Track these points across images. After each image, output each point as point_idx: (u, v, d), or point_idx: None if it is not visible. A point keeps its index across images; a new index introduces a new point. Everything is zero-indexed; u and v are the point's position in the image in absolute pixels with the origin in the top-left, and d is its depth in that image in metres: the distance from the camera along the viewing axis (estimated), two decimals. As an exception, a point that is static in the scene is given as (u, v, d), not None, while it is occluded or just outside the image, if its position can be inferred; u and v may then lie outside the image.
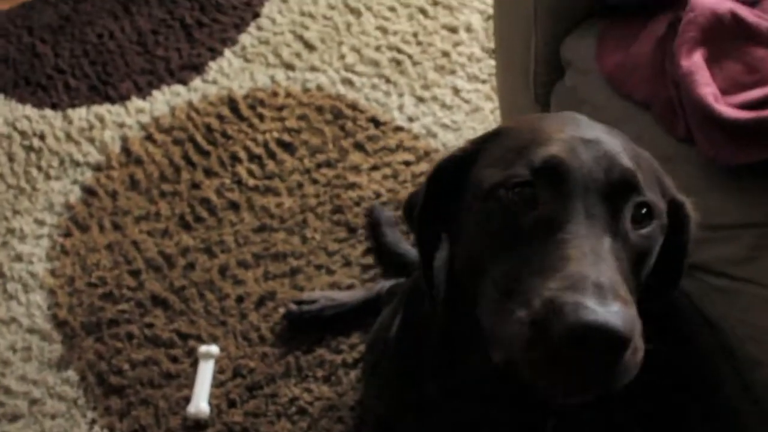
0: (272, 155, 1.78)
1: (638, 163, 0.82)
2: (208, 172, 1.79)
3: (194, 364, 1.53)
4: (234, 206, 1.72)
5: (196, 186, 1.77)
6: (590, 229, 0.75)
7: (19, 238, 1.77)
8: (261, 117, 1.85)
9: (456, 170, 0.87)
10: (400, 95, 1.84)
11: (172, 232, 1.71)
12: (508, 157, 0.82)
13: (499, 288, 0.77)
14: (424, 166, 1.70)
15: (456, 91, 1.83)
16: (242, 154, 1.79)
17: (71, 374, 1.58)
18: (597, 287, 0.69)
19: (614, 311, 0.66)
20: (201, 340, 1.56)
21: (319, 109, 1.84)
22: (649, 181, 0.83)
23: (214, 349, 1.52)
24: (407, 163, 1.71)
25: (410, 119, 1.79)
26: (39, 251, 1.75)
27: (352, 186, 1.70)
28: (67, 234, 1.76)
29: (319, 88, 1.88)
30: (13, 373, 1.61)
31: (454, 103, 1.80)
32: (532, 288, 0.72)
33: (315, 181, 1.72)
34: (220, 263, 1.65)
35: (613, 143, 0.82)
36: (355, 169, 1.73)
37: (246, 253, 1.65)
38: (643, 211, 0.79)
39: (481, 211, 0.81)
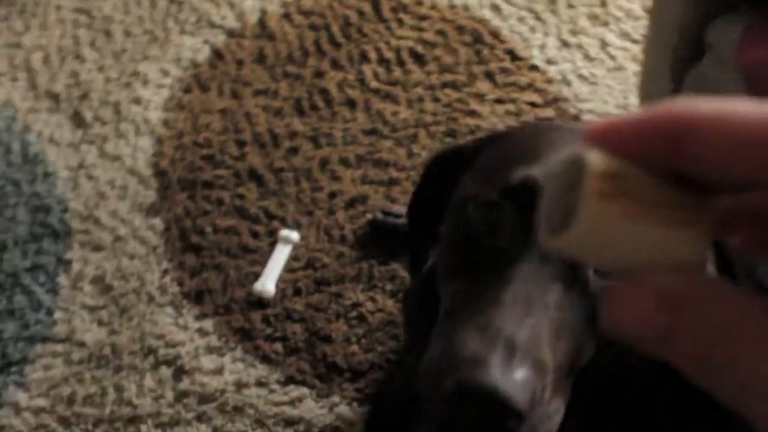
0: (401, 63, 1.76)
1: None
2: (335, 64, 1.78)
3: (272, 245, 1.54)
4: (351, 103, 1.71)
5: (319, 74, 1.77)
6: (539, 273, 0.66)
7: (142, 82, 1.81)
8: (400, 22, 1.82)
9: (458, 168, 0.81)
10: (546, 34, 1.78)
11: (285, 114, 1.72)
12: (491, 170, 0.75)
13: (446, 305, 0.71)
14: (549, 113, 1.65)
15: (604, 44, 1.76)
16: (372, 55, 1.78)
17: (157, 222, 1.62)
18: (508, 345, 0.60)
19: (514, 377, 0.58)
20: (285, 224, 1.57)
21: (460, 29, 1.80)
22: None
23: (294, 235, 1.53)
24: (533, 105, 1.67)
25: (548, 61, 1.74)
26: (157, 100, 1.78)
27: (472, 113, 1.66)
28: (187, 90, 1.78)
29: (466, 7, 1.84)
30: (105, 207, 1.66)
31: (599, 56, 1.74)
32: (453, 326, 0.65)
33: (437, 99, 1.70)
34: (323, 155, 1.65)
35: None
36: (480, 97, 1.69)
37: (350, 152, 1.65)
38: None
39: (449, 224, 0.77)
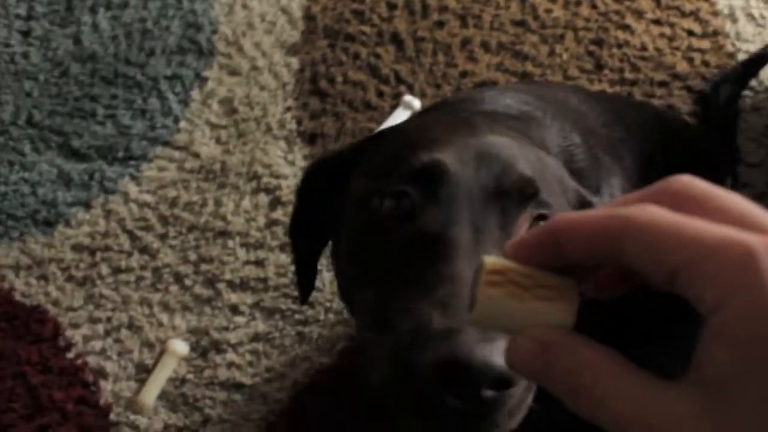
0: (570, -36, 1.73)
1: (542, 171, 0.69)
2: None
3: (393, 107, 1.57)
4: (508, -9, 1.70)
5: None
6: (476, 244, 0.63)
7: (317, -72, 1.84)
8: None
9: (335, 177, 0.76)
10: (725, -35, 1.71)
11: (442, -13, 1.73)
12: (385, 164, 0.71)
13: (370, 313, 0.66)
14: (706, 45, 1.58)
15: (784, -11, 1.67)
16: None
17: (294, 61, 1.67)
18: None
19: (497, 344, 0.54)
20: (411, 90, 1.59)
21: (639, -58, 1.74)
22: (552, 191, 0.69)
23: (416, 103, 1.55)
24: (690, 33, 1.61)
25: (720, -8, 1.67)
26: (327, -52, 1.82)
27: (625, 28, 1.62)
28: (357, -55, 1.81)
29: None
30: (251, 37, 1.72)
31: (774, 0, 1.65)
32: (401, 313, 0.60)
33: (594, 6, 1.66)
34: (467, 35, 1.65)
35: (512, 149, 0.69)
36: (638, 14, 1.64)
37: (494, 38, 1.64)
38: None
39: (352, 224, 0.72)
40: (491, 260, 0.40)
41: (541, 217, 0.68)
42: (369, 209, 0.69)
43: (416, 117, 0.83)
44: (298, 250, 0.85)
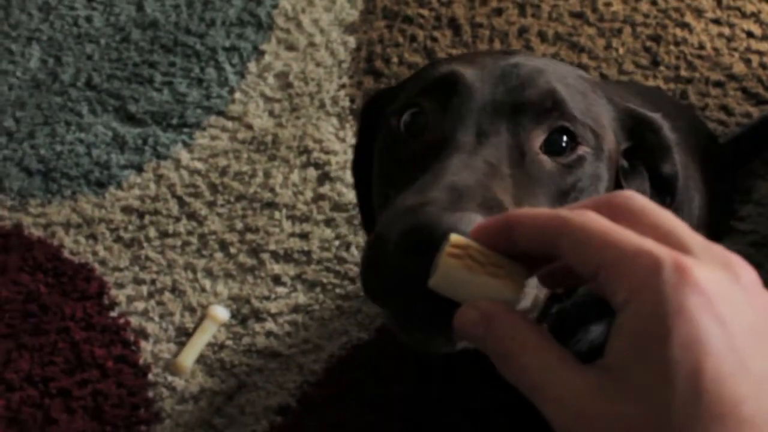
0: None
1: (573, 89, 0.67)
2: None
3: (446, 91, 1.58)
4: (568, -17, 1.70)
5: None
6: (477, 146, 0.62)
7: None
8: None
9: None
10: (791, -30, 1.69)
11: (503, -25, 1.73)
12: (411, 86, 0.72)
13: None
14: (764, 48, 1.57)
15: None
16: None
17: (351, 40, 1.69)
18: (452, 189, 0.55)
19: (465, 213, 0.53)
20: (465, 76, 1.60)
21: (705, -59, 1.73)
22: (584, 106, 0.67)
23: (469, 88, 1.56)
24: (749, 35, 1.59)
25: (784, -4, 1.65)
26: (390, -70, 1.83)
27: (684, 26, 1.61)
28: (421, -71, 1.82)
29: None
30: (311, 13, 1.74)
31: (838, 7, 1.63)
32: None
33: (653, 2, 1.65)
34: (524, 24, 1.65)
35: (539, 65, 0.67)
36: (698, 12, 1.63)
37: (551, 28, 1.64)
38: (563, 138, 0.65)
39: (377, 145, 0.74)
40: (456, 237, 0.46)
41: (564, 130, 0.66)
42: (390, 129, 0.70)
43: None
44: (359, 184, 0.87)
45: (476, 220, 0.52)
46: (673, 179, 0.75)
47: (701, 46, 1.58)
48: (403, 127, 0.69)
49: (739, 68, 1.54)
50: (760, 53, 1.56)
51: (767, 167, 1.43)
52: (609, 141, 0.70)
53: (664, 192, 0.76)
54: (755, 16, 1.61)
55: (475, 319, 0.44)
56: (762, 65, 1.54)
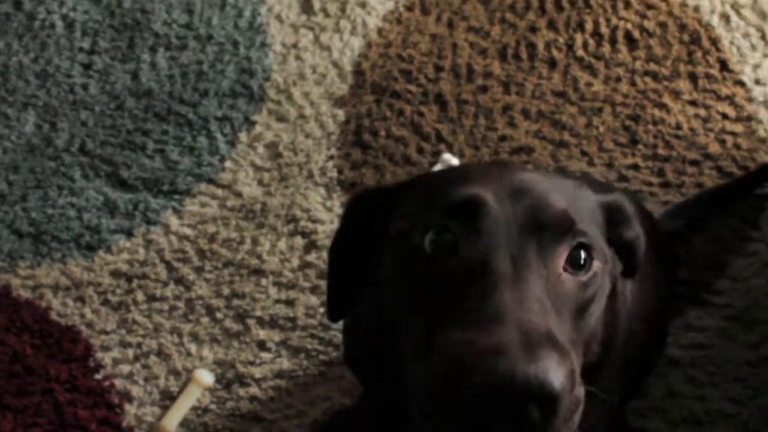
0: (613, 41, 1.79)
1: (575, 200, 0.74)
2: (551, 24, 1.83)
3: (432, 164, 1.62)
4: (552, 63, 1.76)
5: (533, 29, 1.83)
6: (517, 275, 0.66)
7: (372, -10, 1.93)
8: (627, 5, 1.84)
9: (378, 210, 0.80)
10: (765, 56, 1.75)
11: (488, 55, 1.79)
12: (424, 201, 0.75)
13: (417, 340, 0.68)
14: (739, 129, 1.63)
15: (821, 81, 1.72)
16: (589, 26, 1.81)
17: (340, 113, 1.74)
18: (522, 332, 0.59)
19: (543, 362, 0.57)
20: (450, 149, 1.64)
21: (682, 27, 1.80)
22: (588, 222, 0.74)
23: (455, 161, 1.60)
24: (724, 116, 1.65)
25: (757, 81, 1.71)
26: (381, 9, 1.91)
27: (662, 106, 1.67)
28: (410, 8, 1.89)
29: (696, 9, 1.83)
30: (301, 87, 1.80)
31: (810, 92, 1.70)
32: (448, 340, 0.63)
33: (633, 83, 1.71)
34: (508, 101, 1.71)
35: (544, 183, 0.73)
36: (676, 94, 1.69)
37: (534, 106, 1.70)
38: (582, 254, 0.71)
39: (395, 259, 0.75)
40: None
41: (581, 246, 0.71)
42: (410, 244, 0.72)
43: (453, 167, 0.88)
44: (333, 269, 0.88)
45: (554, 366, 0.56)
46: (635, 241, 0.81)
47: (678, 126, 1.64)
48: (429, 247, 0.71)
49: (714, 148, 1.59)
50: (734, 134, 1.62)
51: (741, 242, 1.47)
52: (608, 258, 0.76)
53: (627, 258, 0.81)
54: (729, 99, 1.68)
55: None
56: (736, 145, 1.60)
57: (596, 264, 0.72)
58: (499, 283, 0.65)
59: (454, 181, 0.74)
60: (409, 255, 0.72)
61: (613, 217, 0.80)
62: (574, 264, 0.71)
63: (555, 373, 0.57)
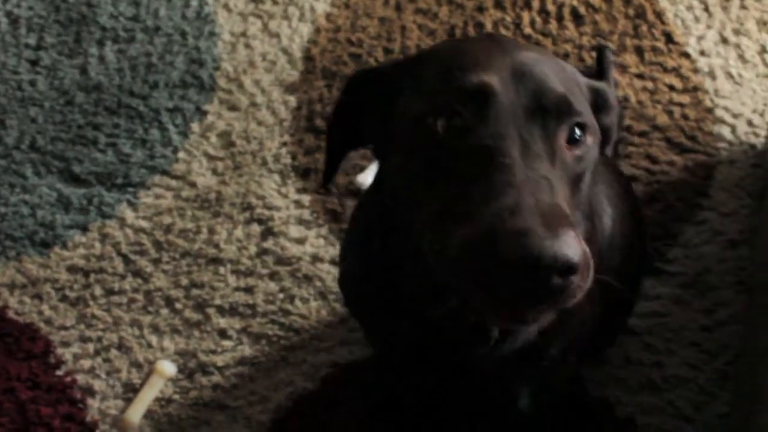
0: (560, 18, 1.80)
1: (568, 81, 0.80)
2: (498, 4, 1.84)
3: (385, 147, 1.63)
4: (500, 42, 1.77)
5: (480, 9, 1.84)
6: (527, 154, 0.73)
7: (319, -25, 1.92)
8: (573, -19, 1.86)
9: (378, 90, 0.85)
10: (708, 27, 1.78)
11: (437, 36, 1.81)
12: (434, 85, 0.79)
13: (437, 214, 0.75)
14: (685, 100, 1.65)
15: (763, 50, 1.74)
16: (536, 4, 1.83)
17: (292, 100, 1.74)
18: (542, 214, 0.67)
19: (564, 239, 0.65)
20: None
21: (627, 1, 1.82)
22: (579, 97, 0.80)
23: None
24: (671, 88, 1.68)
25: (702, 53, 1.74)
26: (328, -6, 1.90)
27: (611, 80, 1.69)
28: (357, -8, 1.89)
29: (640, -17, 1.86)
30: (252, 75, 1.79)
31: (753, 60, 1.72)
32: (473, 212, 0.70)
33: (581, 59, 1.73)
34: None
35: (543, 66, 0.79)
36: (623, 68, 1.71)
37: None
38: (578, 131, 0.78)
39: (411, 142, 0.80)
40: None
41: (578, 125, 0.78)
42: (425, 128, 0.77)
43: (447, 42, 0.92)
44: (332, 139, 0.94)
45: (572, 241, 0.65)
46: (611, 127, 0.89)
47: (626, 99, 1.66)
48: (442, 130, 0.76)
49: (662, 119, 1.62)
50: (681, 105, 1.64)
51: (692, 211, 1.50)
52: (597, 129, 0.82)
53: (601, 141, 0.87)
54: (676, 71, 1.70)
55: None
56: (683, 116, 1.62)
57: (589, 139, 0.79)
58: (513, 166, 0.71)
59: (462, 64, 0.79)
60: (423, 138, 0.77)
61: (597, 102, 0.87)
62: (571, 140, 0.77)
63: (573, 246, 0.65)
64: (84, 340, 1.47)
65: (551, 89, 0.77)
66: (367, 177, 1.56)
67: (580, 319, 0.98)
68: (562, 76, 0.80)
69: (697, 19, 1.79)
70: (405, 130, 0.81)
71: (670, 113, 1.63)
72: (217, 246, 1.55)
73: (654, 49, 1.74)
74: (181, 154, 1.68)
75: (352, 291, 1.10)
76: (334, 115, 0.91)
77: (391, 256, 0.91)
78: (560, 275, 0.65)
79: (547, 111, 0.76)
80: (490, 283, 0.67)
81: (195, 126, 1.72)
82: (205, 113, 1.74)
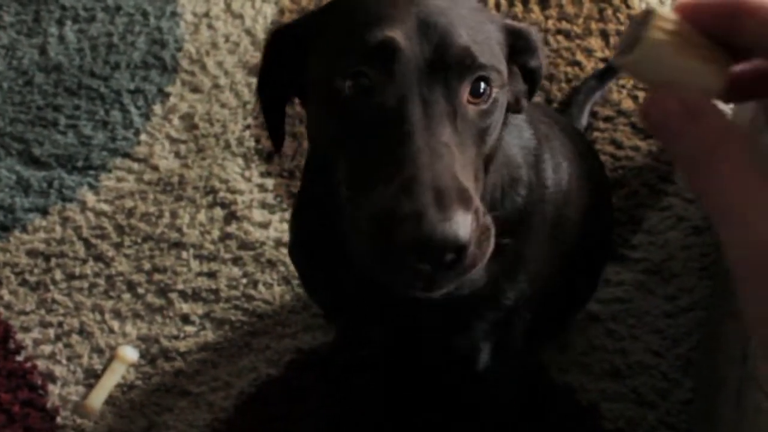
0: (525, 2, 1.79)
1: (479, 32, 0.78)
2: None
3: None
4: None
5: None
6: (428, 118, 0.72)
7: (284, -45, 1.90)
8: (538, -36, 1.85)
9: (292, 49, 0.84)
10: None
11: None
12: (338, 43, 0.77)
13: (348, 179, 0.76)
14: (650, 84, 1.66)
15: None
16: (501, -14, 1.82)
17: (255, 82, 1.71)
18: (436, 193, 0.67)
19: (454, 220, 0.66)
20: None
21: (592, -15, 1.82)
22: (485, 47, 0.78)
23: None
24: (636, 73, 1.68)
25: (666, 37, 1.74)
26: (292, -26, 1.88)
27: (575, 64, 1.69)
28: (322, -27, 1.87)
29: (606, -34, 1.86)
30: (215, 56, 1.77)
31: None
32: (373, 188, 0.71)
33: (546, 43, 1.73)
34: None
35: (451, 15, 0.76)
36: (588, 52, 1.71)
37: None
38: (482, 85, 0.75)
39: (320, 102, 0.79)
40: (665, 11, 0.41)
41: (481, 79, 0.75)
42: (331, 89, 0.75)
43: None
44: (264, 101, 0.92)
45: (462, 221, 0.66)
46: (537, 70, 0.87)
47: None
48: (349, 91, 0.74)
49: (627, 104, 1.62)
50: (646, 90, 1.64)
51: (656, 197, 1.50)
52: (505, 70, 0.80)
53: (531, 83, 0.88)
54: (641, 56, 1.70)
55: (675, 111, 0.40)
56: (648, 101, 1.62)
57: (495, 91, 0.77)
58: (414, 134, 0.71)
59: (368, 18, 0.76)
60: (330, 99, 0.76)
61: (518, 44, 0.84)
62: (474, 93, 0.75)
63: (464, 227, 0.67)
64: (44, 325, 1.46)
65: (454, 42, 0.74)
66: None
67: (533, 266, 0.99)
68: (472, 23, 0.78)
69: (661, 3, 1.80)
70: (316, 90, 0.80)
71: (634, 98, 1.63)
72: (179, 230, 1.53)
73: (619, 33, 1.74)
74: (143, 137, 1.66)
75: (299, 255, 1.08)
76: (260, 80, 0.89)
77: (326, 213, 0.89)
78: (454, 252, 0.67)
79: (450, 66, 0.74)
80: (386, 261, 0.70)
81: (157, 108, 1.70)
82: (167, 95, 1.72)
